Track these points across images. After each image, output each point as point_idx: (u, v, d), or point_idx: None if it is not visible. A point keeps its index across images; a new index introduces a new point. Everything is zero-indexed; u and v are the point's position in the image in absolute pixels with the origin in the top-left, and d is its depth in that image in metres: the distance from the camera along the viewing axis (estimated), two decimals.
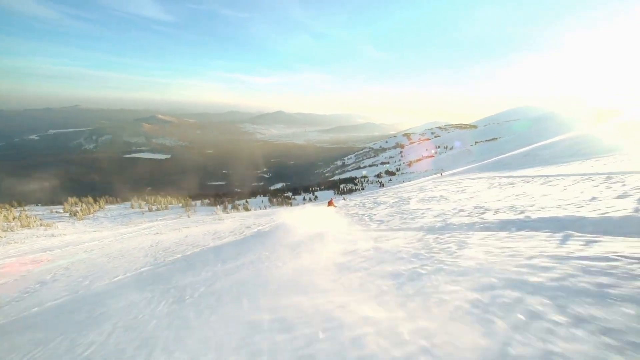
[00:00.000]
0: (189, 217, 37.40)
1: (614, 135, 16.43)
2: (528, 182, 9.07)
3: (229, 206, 54.32)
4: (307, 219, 11.09)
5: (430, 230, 6.15)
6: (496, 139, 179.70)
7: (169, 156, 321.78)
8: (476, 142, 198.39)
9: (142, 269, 8.64)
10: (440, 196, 10.39)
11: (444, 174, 25.94)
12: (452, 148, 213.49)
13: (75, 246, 16.56)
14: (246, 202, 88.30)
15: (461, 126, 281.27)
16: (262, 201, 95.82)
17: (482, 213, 6.42)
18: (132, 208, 50.20)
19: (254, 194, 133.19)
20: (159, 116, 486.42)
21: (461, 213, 6.99)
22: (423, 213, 8.21)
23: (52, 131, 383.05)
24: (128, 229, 26.36)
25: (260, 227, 12.02)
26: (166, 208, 50.76)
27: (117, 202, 56.49)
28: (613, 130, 18.44)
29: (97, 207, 48.36)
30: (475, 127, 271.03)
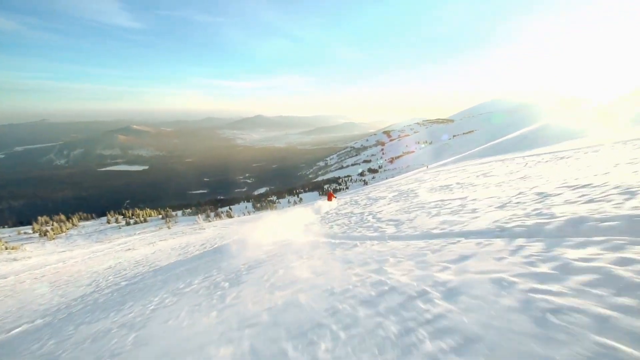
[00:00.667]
0: (169, 228, 35.88)
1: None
2: (547, 161, 8.54)
3: (212, 215, 52.71)
4: (288, 222, 10.37)
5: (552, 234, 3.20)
6: (472, 131, 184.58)
7: (146, 167, 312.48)
8: (454, 136, 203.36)
9: (54, 311, 7.07)
10: (457, 183, 8.47)
11: (429, 167, 25.86)
12: (431, 143, 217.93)
13: (33, 271, 15.17)
14: (229, 209, 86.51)
15: (438, 121, 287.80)
16: (246, 207, 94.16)
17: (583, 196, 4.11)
18: (109, 223, 47.82)
19: (237, 200, 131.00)
20: (134, 126, 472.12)
21: (530, 203, 4.56)
22: (460, 205, 5.70)
23: (18, 148, 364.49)
24: (102, 246, 24.81)
25: (225, 241, 11.11)
26: (145, 221, 48.67)
27: (92, 218, 53.76)
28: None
29: (70, 224, 45.74)
30: (451, 121, 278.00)
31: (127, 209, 56.93)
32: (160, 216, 51.46)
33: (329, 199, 14.14)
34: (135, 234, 35.08)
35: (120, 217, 49.71)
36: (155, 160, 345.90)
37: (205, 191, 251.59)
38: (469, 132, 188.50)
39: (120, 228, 44.30)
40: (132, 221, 47.86)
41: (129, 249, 16.40)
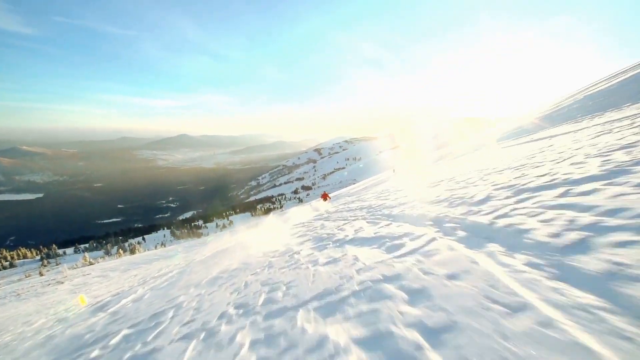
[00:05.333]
0: (41, 275, 26.41)
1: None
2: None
3: (113, 250, 42.33)
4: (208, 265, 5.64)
5: None
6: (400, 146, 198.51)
7: (40, 195, 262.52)
8: (380, 152, 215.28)
9: None
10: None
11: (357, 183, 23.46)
12: (360, 159, 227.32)
13: None
14: (142, 239, 73.80)
15: (365, 138, 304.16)
16: (165, 235, 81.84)
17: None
18: None
19: (157, 227, 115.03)
20: (23, 147, 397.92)
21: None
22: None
23: None
24: None
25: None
26: (12, 265, 36.45)
27: None
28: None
29: None
30: (376, 138, 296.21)
31: (8, 248, 43.04)
32: (40, 257, 39.44)
33: (324, 199, 14.63)
34: None
35: None
36: (53, 187, 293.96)
37: (118, 219, 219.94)
38: (395, 147, 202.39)
39: None
40: None
41: None
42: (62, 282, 12.99)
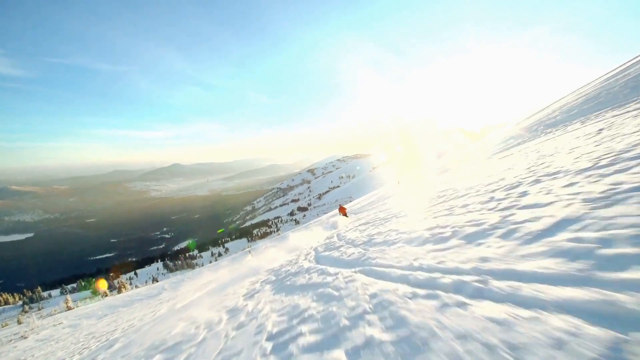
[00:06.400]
0: (20, 323, 24.39)
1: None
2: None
3: (100, 289, 40.01)
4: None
5: None
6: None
7: (30, 235, 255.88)
8: (373, 168, 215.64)
9: None
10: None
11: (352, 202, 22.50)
12: (354, 176, 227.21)
13: None
14: (134, 274, 70.86)
15: (357, 156, 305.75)
16: (158, 268, 78.75)
17: None
18: None
19: (151, 260, 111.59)
20: (13, 187, 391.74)
21: None
22: None
23: None
24: None
25: None
26: None
27: None
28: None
29: None
30: (369, 155, 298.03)
31: None
32: (21, 302, 37.01)
33: (343, 213, 14.32)
34: None
35: None
36: (44, 225, 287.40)
37: (111, 254, 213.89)
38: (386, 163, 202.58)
39: None
40: None
41: None
42: (26, 337, 11.42)
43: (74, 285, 49.76)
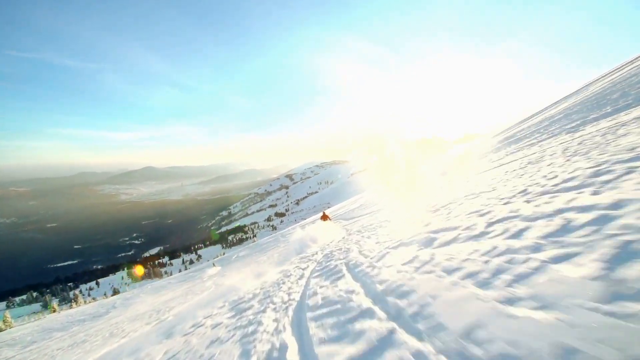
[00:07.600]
0: None
1: None
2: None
3: (53, 301, 36.18)
4: None
5: None
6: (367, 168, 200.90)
7: None
8: (352, 174, 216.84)
9: None
10: None
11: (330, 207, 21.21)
12: (332, 182, 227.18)
13: None
14: (95, 284, 65.78)
15: (336, 162, 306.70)
16: (123, 277, 73.53)
17: None
18: None
19: (116, 268, 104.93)
20: None
21: None
22: None
23: None
24: None
25: None
26: None
27: None
28: None
29: None
30: (347, 161, 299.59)
31: None
32: None
33: (324, 219, 13.39)
34: None
35: None
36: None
37: (74, 262, 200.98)
38: (364, 169, 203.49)
39: None
40: None
41: None
42: None
43: (23, 297, 45.14)
